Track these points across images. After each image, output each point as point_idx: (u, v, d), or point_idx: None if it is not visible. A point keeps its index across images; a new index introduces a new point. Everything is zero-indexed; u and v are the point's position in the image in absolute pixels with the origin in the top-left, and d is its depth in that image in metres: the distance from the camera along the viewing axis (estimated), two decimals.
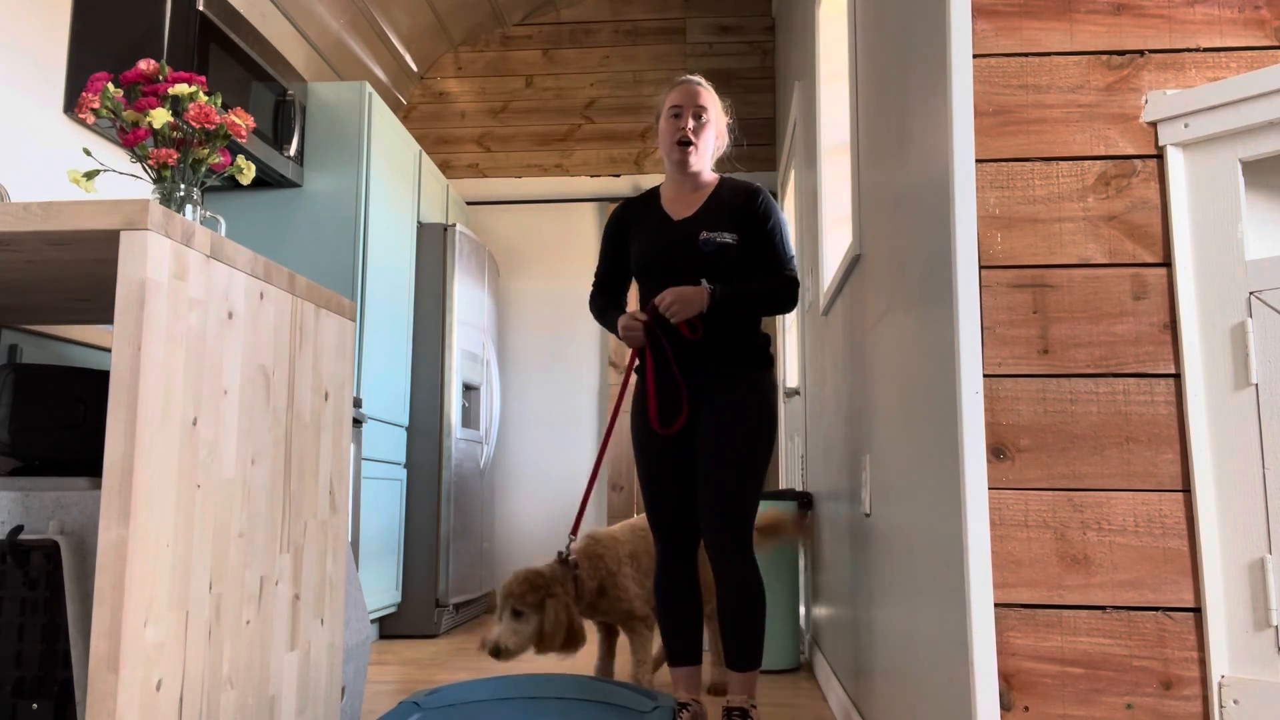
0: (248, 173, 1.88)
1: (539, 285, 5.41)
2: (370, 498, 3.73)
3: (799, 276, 2.40)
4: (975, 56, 1.47)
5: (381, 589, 3.85)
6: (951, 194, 1.43)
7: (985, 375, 1.40)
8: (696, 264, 2.37)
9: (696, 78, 2.49)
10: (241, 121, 1.81)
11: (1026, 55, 1.46)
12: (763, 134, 5.17)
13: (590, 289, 2.69)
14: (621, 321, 2.43)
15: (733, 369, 2.36)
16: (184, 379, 1.37)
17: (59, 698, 1.44)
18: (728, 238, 2.35)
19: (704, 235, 2.36)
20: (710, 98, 2.46)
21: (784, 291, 2.39)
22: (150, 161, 1.73)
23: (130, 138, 1.72)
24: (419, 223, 4.39)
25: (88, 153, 1.87)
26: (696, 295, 2.30)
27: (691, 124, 2.41)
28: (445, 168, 5.32)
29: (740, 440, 2.30)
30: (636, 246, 2.48)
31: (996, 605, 1.36)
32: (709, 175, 2.49)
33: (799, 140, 4.00)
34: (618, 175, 5.25)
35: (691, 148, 2.41)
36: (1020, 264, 1.42)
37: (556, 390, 5.32)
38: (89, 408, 1.60)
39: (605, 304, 2.59)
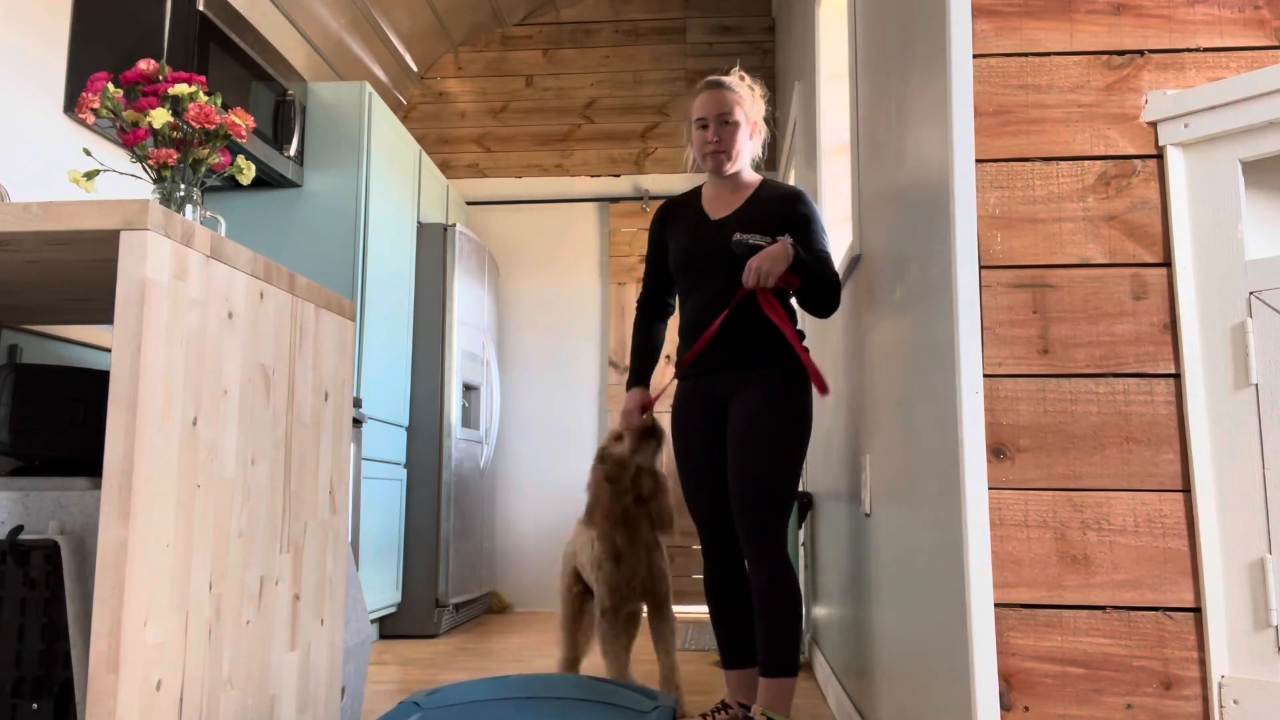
0: (248, 173, 1.88)
1: (539, 285, 5.41)
2: (370, 498, 3.73)
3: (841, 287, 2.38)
4: (975, 56, 1.47)
5: (381, 589, 3.85)
6: (951, 194, 1.43)
7: (985, 375, 1.40)
8: (729, 265, 2.35)
9: (723, 80, 2.44)
10: (241, 121, 1.81)
11: (1026, 55, 1.46)
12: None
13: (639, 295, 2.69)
14: (625, 406, 2.56)
15: (761, 365, 2.33)
16: (184, 379, 1.37)
17: (59, 698, 1.44)
18: (761, 241, 2.31)
19: (737, 236, 2.33)
20: (737, 98, 2.42)
21: (837, 288, 2.35)
22: (150, 161, 1.73)
23: (130, 138, 1.72)
24: (419, 223, 4.39)
25: (88, 153, 1.87)
26: (781, 251, 2.25)
27: (716, 136, 2.40)
28: (445, 168, 5.32)
29: (766, 438, 2.26)
30: (674, 244, 2.49)
31: (996, 605, 1.36)
32: (749, 176, 2.48)
33: (799, 140, 4.00)
34: (618, 175, 5.25)
35: (722, 156, 2.41)
36: (1020, 264, 1.42)
37: (556, 390, 5.32)
38: (89, 408, 1.60)
39: (645, 323, 2.62)
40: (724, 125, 2.40)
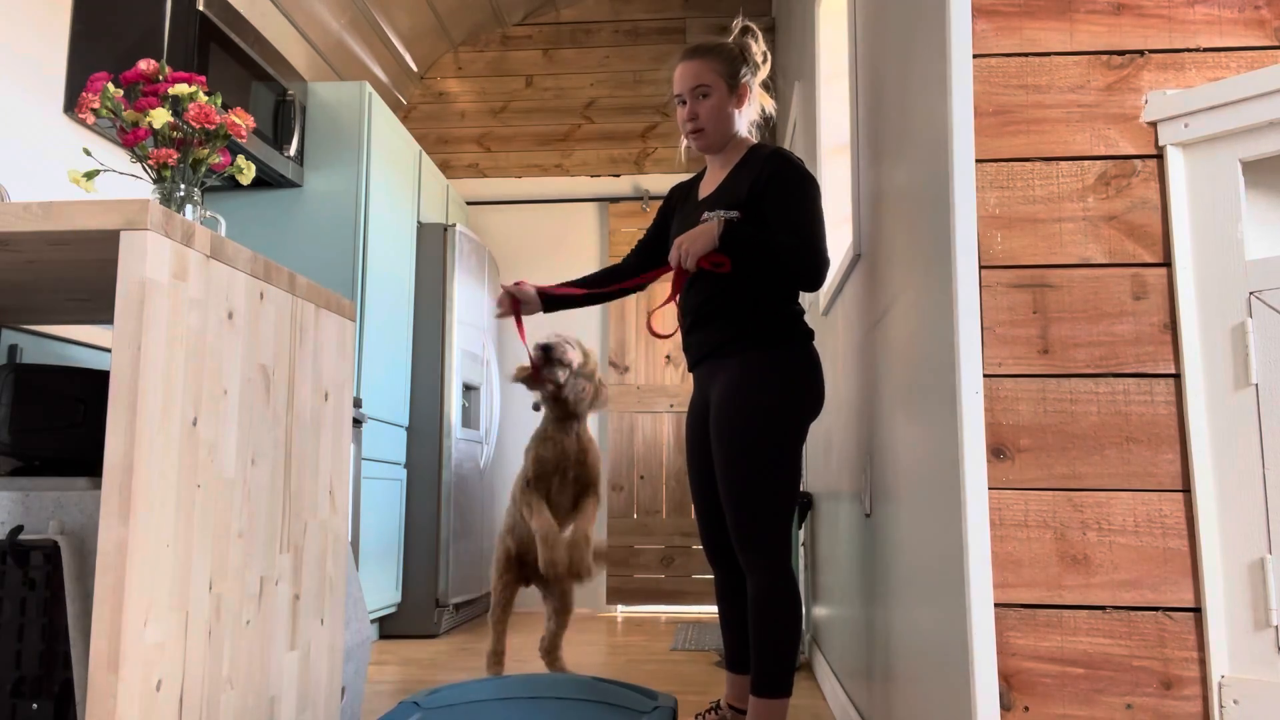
0: (248, 173, 1.88)
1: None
2: (370, 498, 3.73)
3: (824, 254, 2.12)
4: (975, 56, 1.47)
5: (381, 589, 3.85)
6: (951, 194, 1.43)
7: (985, 375, 1.40)
8: None
9: (699, 46, 2.28)
10: (241, 121, 1.81)
11: (1026, 55, 1.46)
12: (763, 134, 5.16)
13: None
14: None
15: (733, 352, 2.15)
16: (184, 379, 1.37)
17: (59, 698, 1.44)
18: (729, 214, 2.14)
19: (705, 215, 2.19)
20: (712, 66, 2.23)
21: (802, 256, 2.08)
22: (150, 161, 1.73)
23: (130, 138, 1.72)
24: (419, 223, 4.39)
25: (88, 153, 1.87)
26: (705, 230, 2.09)
27: (693, 112, 2.25)
28: (445, 168, 5.32)
29: (737, 437, 2.08)
30: (672, 230, 2.38)
31: (996, 605, 1.36)
32: (740, 145, 2.29)
33: (799, 140, 4.00)
34: (618, 175, 5.25)
35: (698, 132, 2.26)
36: (1020, 264, 1.42)
37: None
38: (89, 408, 1.59)
39: (610, 268, 2.49)
40: (700, 99, 2.23)
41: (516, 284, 2.47)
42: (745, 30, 2.30)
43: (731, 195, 2.19)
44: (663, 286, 4.93)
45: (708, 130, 2.25)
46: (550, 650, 3.05)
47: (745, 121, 2.32)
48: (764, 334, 2.15)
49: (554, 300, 2.48)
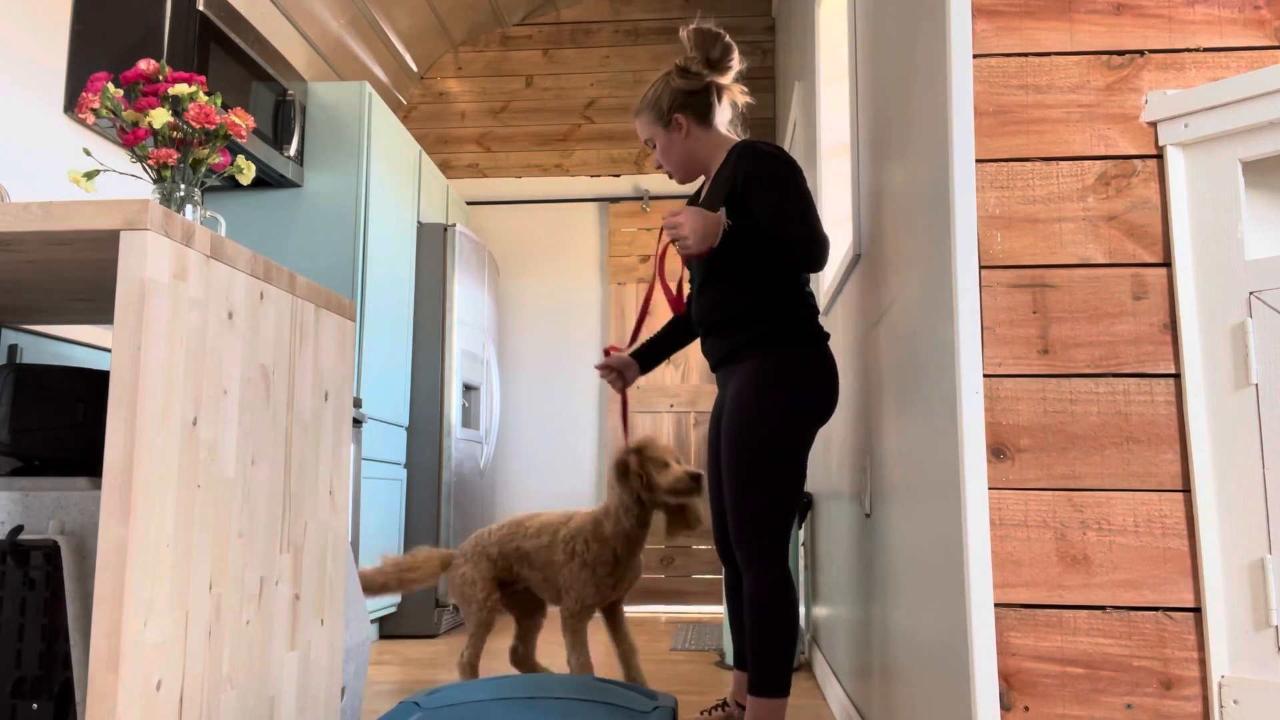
0: (248, 173, 1.88)
1: (539, 285, 5.41)
2: (370, 498, 3.73)
3: (819, 231, 2.08)
4: (975, 56, 1.47)
5: None
6: (951, 194, 1.43)
7: (985, 375, 1.40)
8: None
9: (636, 105, 2.37)
10: (241, 121, 1.81)
11: (1026, 55, 1.46)
12: (763, 134, 5.17)
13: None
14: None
15: (743, 358, 2.17)
16: (184, 379, 1.37)
17: (59, 698, 1.44)
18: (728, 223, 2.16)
19: None
20: (642, 123, 2.35)
21: (796, 238, 2.07)
22: (150, 161, 1.73)
23: (130, 138, 1.72)
24: (419, 223, 4.39)
25: (88, 153, 1.87)
26: (715, 226, 2.10)
27: (658, 161, 2.38)
28: (445, 168, 5.32)
29: (737, 440, 2.12)
30: None
31: (996, 605, 1.36)
32: (717, 154, 2.32)
33: (799, 140, 4.00)
34: (618, 175, 5.25)
35: (670, 172, 2.38)
36: (1020, 264, 1.42)
37: (556, 390, 5.32)
38: (89, 408, 1.59)
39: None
40: (653, 149, 2.37)
41: (609, 351, 2.58)
42: (692, 36, 2.28)
43: (720, 197, 2.21)
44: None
45: (673, 170, 2.38)
46: (526, 658, 2.99)
47: (722, 122, 2.34)
48: (772, 339, 2.14)
49: (650, 358, 2.57)
